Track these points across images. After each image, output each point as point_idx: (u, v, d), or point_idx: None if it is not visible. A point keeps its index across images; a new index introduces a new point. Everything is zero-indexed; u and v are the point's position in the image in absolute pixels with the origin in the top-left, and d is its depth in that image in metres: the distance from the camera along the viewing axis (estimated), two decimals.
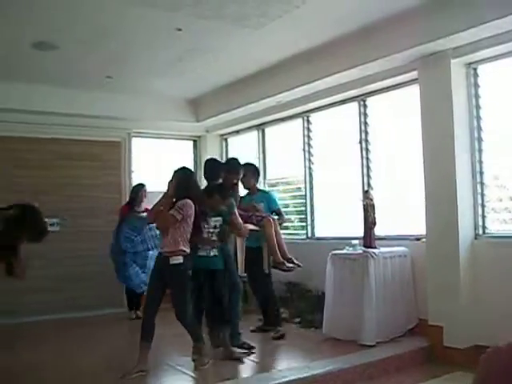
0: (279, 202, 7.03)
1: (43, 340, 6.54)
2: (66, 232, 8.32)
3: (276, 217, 6.48)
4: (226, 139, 9.90)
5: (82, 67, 7.01)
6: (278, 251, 6.14)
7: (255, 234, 6.14)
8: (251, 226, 6.05)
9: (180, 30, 5.72)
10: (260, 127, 8.94)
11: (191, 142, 9.97)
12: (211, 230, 5.26)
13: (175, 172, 5.11)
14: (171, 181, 5.03)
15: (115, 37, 6.03)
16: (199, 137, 9.87)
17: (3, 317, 7.11)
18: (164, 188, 5.11)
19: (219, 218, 5.31)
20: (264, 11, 5.25)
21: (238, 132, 9.48)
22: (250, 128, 9.12)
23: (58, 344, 6.33)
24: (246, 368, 5.11)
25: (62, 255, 8.15)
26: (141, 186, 7.96)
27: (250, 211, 6.23)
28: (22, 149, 8.10)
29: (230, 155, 9.79)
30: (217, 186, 5.48)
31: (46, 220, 4.21)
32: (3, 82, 7.34)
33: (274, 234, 6.16)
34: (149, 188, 8.00)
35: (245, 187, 6.55)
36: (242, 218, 5.69)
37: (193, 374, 4.91)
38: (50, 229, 7.98)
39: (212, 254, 5.28)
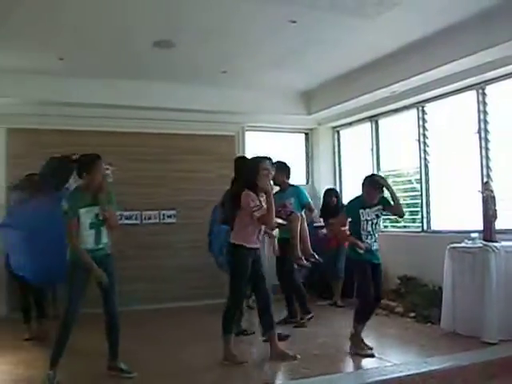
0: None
1: (165, 327, 6.91)
2: (181, 224, 8.66)
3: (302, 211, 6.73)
4: (338, 131, 9.84)
5: (197, 63, 7.24)
6: (298, 246, 6.40)
7: (284, 227, 6.44)
8: (280, 220, 6.21)
9: (294, 22, 5.74)
10: (373, 119, 8.81)
11: (303, 135, 9.99)
12: None
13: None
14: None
15: (229, 32, 6.17)
16: (311, 129, 9.88)
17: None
18: None
19: None
20: None
21: (350, 124, 9.40)
22: (362, 120, 9.01)
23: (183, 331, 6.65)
24: (363, 361, 5.08)
25: (177, 246, 8.51)
26: None
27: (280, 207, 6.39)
28: (140, 144, 8.49)
29: (343, 148, 9.76)
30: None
31: None
32: (128, 81, 7.79)
33: (298, 229, 6.44)
34: None
35: (275, 184, 6.59)
36: None
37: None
38: (167, 220, 8.63)
39: None
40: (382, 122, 8.77)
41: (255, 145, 9.43)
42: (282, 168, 6.94)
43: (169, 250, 8.48)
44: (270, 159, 5.28)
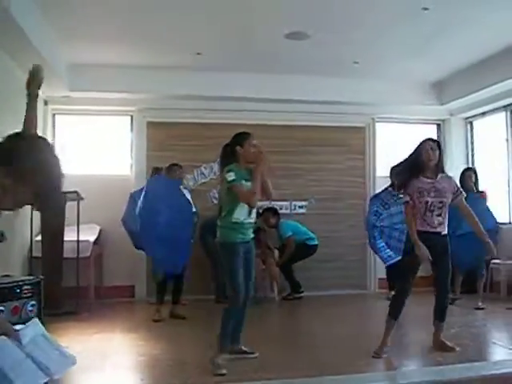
0: None
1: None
2: (312, 214, 8.86)
3: None
4: (471, 122, 9.59)
5: (329, 54, 7.39)
6: None
7: None
8: None
9: (427, 9, 5.72)
10: (508, 108, 8.51)
11: (434, 126, 9.82)
12: None
13: None
14: None
15: (363, 23, 6.27)
16: (443, 120, 9.69)
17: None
18: None
19: None
20: None
21: (483, 114, 9.13)
22: (497, 109, 8.73)
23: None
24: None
25: None
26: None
27: None
28: (273, 136, 8.76)
29: (476, 139, 9.49)
30: None
31: None
32: (261, 74, 8.13)
33: None
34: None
35: None
36: None
37: None
38: (298, 211, 8.88)
39: None
40: None
41: (386, 136, 9.44)
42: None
43: None
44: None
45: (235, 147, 4.61)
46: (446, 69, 8.19)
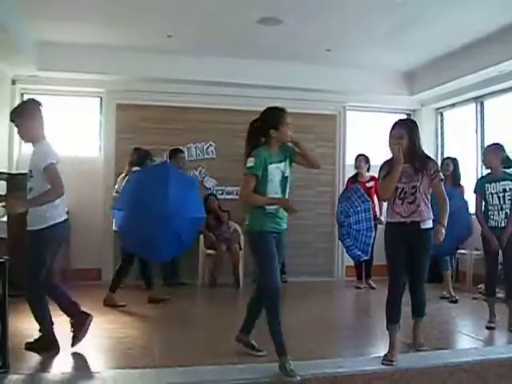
0: None
1: None
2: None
3: None
4: (441, 113, 9.68)
5: (302, 41, 7.39)
6: None
7: None
8: None
9: None
10: (478, 100, 8.60)
11: (405, 116, 9.88)
12: None
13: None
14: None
15: (336, 10, 6.26)
16: (413, 111, 9.77)
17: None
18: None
19: None
20: None
21: (453, 105, 9.23)
22: (467, 101, 8.82)
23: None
24: None
25: None
26: (361, 156, 8.24)
27: None
28: (243, 121, 8.64)
29: (446, 130, 9.60)
30: None
31: None
32: (231, 59, 8.11)
33: None
34: None
35: None
36: None
37: None
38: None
39: None
40: (487, 102, 8.55)
41: (356, 125, 9.48)
42: None
43: None
44: None
45: (267, 129, 4.10)
46: (418, 59, 8.24)
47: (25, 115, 4.37)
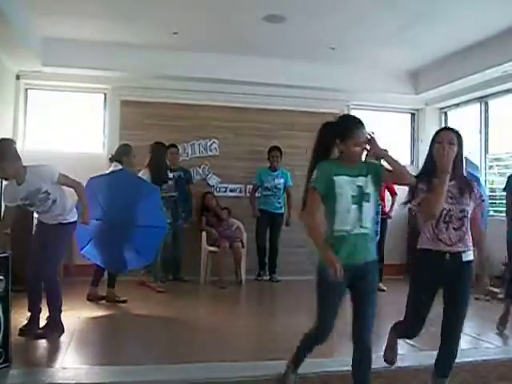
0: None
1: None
2: None
3: None
4: (445, 113, 9.67)
5: (307, 39, 7.37)
6: None
7: None
8: None
9: None
10: (483, 99, 8.59)
11: (409, 116, 9.89)
12: None
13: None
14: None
15: (341, 8, 6.24)
16: (418, 110, 9.76)
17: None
18: None
19: None
20: None
21: (457, 105, 9.21)
22: (471, 101, 8.81)
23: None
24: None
25: None
26: None
27: None
28: (248, 119, 8.82)
29: None
30: None
31: None
32: (237, 56, 8.11)
33: None
34: None
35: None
36: None
37: None
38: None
39: None
40: (492, 103, 8.54)
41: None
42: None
43: None
44: None
45: (333, 138, 3.34)
46: (423, 58, 8.22)
47: (9, 157, 4.37)
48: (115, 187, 6.06)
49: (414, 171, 8.98)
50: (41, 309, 4.71)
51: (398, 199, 7.93)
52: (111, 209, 6.03)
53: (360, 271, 3.22)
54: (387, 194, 7.96)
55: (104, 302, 6.30)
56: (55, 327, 4.65)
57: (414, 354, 4.50)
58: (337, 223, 3.21)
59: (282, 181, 8.40)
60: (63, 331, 4.66)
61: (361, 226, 3.23)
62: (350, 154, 3.28)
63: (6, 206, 4.60)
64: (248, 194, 8.71)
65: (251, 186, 8.60)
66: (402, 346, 4.31)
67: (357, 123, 3.34)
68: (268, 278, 8.43)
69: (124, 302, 6.34)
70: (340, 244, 3.21)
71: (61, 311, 4.70)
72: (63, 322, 4.71)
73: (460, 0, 5.83)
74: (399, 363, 4.09)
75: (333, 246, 3.20)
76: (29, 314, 4.68)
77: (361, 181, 3.28)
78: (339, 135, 3.29)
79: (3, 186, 4.87)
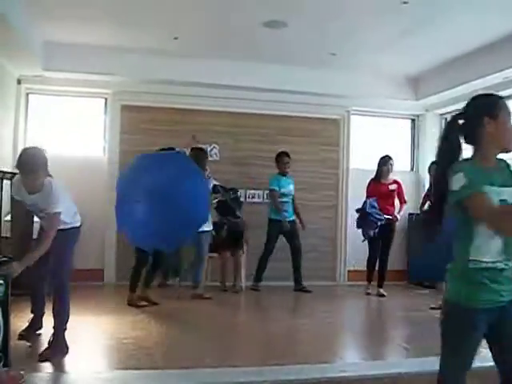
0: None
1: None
2: None
3: None
4: (445, 119, 9.66)
5: (307, 44, 7.38)
6: None
7: None
8: None
9: (406, 3, 5.73)
10: None
11: (409, 121, 9.90)
12: None
13: None
14: None
15: (341, 14, 6.25)
16: (418, 116, 9.77)
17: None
18: None
19: None
20: None
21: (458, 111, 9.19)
22: None
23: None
24: None
25: None
26: (387, 157, 8.01)
27: None
28: (248, 124, 8.83)
29: None
30: None
31: None
32: (238, 62, 8.10)
33: None
34: (365, 166, 8.27)
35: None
36: None
37: None
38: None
39: None
40: None
41: (360, 129, 9.48)
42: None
43: None
44: None
45: (478, 123, 2.50)
46: (423, 64, 8.22)
47: (40, 168, 4.17)
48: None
49: (413, 177, 9.18)
50: (43, 313, 4.65)
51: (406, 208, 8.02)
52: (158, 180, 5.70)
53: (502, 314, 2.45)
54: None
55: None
56: (58, 348, 4.31)
57: None
58: (473, 250, 2.42)
59: (292, 186, 8.24)
60: (67, 352, 4.34)
61: (508, 256, 2.43)
62: (505, 133, 2.49)
63: (14, 199, 4.50)
64: (248, 199, 8.69)
65: (252, 192, 8.62)
66: None
67: (501, 98, 2.61)
68: (299, 287, 8.15)
69: (144, 306, 6.39)
70: (476, 277, 2.42)
71: (65, 328, 4.39)
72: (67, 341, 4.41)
73: (460, 6, 5.83)
74: None
75: (465, 279, 2.45)
76: (31, 315, 4.64)
77: (506, 193, 2.43)
78: (489, 112, 2.48)
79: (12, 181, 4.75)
